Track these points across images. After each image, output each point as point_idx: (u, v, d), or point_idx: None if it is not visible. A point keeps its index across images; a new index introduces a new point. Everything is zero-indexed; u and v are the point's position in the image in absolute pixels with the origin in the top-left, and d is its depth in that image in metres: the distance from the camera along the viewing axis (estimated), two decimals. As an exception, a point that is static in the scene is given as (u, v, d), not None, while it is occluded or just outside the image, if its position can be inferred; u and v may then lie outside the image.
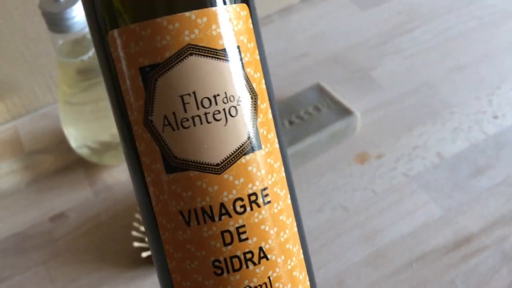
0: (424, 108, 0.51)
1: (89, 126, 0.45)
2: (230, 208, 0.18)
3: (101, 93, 0.43)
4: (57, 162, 0.50)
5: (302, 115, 0.48)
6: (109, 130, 0.46)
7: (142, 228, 0.41)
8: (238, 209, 0.18)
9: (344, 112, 0.48)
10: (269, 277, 0.19)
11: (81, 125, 0.45)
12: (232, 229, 0.18)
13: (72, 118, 0.44)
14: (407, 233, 0.42)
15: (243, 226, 0.18)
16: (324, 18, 0.63)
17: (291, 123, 0.48)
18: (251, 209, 0.18)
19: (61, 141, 0.51)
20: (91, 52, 0.41)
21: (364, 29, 0.60)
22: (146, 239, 0.41)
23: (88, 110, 0.44)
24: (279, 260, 0.19)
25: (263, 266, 0.18)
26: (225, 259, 0.18)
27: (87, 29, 0.39)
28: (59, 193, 0.48)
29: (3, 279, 0.42)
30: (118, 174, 0.49)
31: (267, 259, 0.19)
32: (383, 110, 0.52)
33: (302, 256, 0.20)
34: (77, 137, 0.46)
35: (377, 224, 0.43)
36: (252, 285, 0.18)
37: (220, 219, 0.18)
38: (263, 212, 0.18)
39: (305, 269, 0.20)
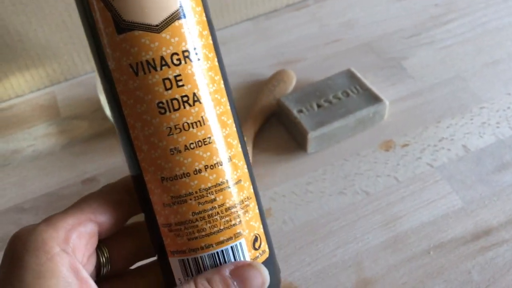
0: (454, 101, 0.51)
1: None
2: (168, 60, 0.23)
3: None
4: (92, 128, 0.52)
5: (331, 99, 0.49)
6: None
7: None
8: (175, 61, 0.23)
9: (373, 99, 0.48)
10: (202, 117, 0.23)
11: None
12: (171, 77, 0.23)
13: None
14: (427, 222, 0.43)
15: (180, 75, 0.23)
16: (358, 5, 0.63)
17: (319, 106, 0.48)
18: (185, 62, 0.23)
19: (97, 109, 0.53)
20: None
21: (398, 19, 0.60)
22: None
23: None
24: (209, 104, 0.24)
25: (197, 107, 0.23)
26: (167, 101, 0.23)
27: None
28: (92, 158, 0.49)
29: (35, 234, 0.44)
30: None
31: (200, 102, 0.23)
32: (412, 100, 0.52)
33: (229, 107, 0.25)
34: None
35: (398, 211, 0.44)
36: (189, 121, 0.23)
37: (161, 69, 0.23)
38: (195, 66, 0.23)
39: (231, 118, 0.25)
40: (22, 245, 0.22)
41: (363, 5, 0.63)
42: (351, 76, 0.51)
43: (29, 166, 0.49)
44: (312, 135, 0.46)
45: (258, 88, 0.54)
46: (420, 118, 0.50)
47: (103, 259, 0.26)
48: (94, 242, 0.25)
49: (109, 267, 0.26)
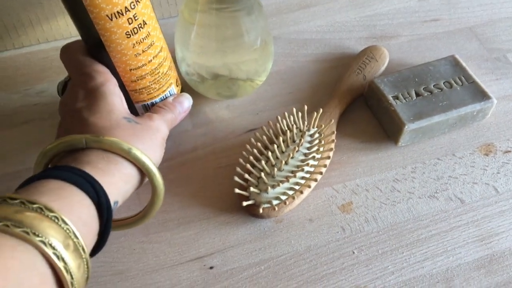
0: None
1: (207, 54, 0.41)
2: (129, 7, 0.34)
3: (228, 20, 0.39)
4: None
5: (432, 89, 0.43)
6: (228, 64, 0.42)
7: (246, 176, 0.38)
8: (132, 6, 0.34)
9: (479, 94, 0.43)
10: (148, 32, 0.36)
11: (198, 49, 0.41)
12: (131, 16, 0.35)
13: (189, 38, 0.41)
14: (526, 243, 0.38)
15: (135, 13, 0.35)
16: (462, -18, 0.56)
17: (418, 94, 0.43)
18: (136, 5, 0.34)
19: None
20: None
21: (507, 4, 0.53)
22: (250, 189, 0.38)
23: (211, 35, 0.40)
24: (150, 24, 0.36)
25: (145, 28, 0.36)
26: (131, 30, 0.35)
27: None
28: (158, 117, 0.45)
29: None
30: (220, 111, 0.46)
31: (146, 24, 0.36)
32: (518, 100, 0.46)
33: (156, 24, 0.37)
34: (191, 63, 0.42)
35: (496, 226, 0.39)
36: (142, 37, 0.36)
37: (125, 14, 0.34)
38: (141, 5, 0.35)
39: (158, 28, 0.38)
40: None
41: (468, -18, 0.56)
42: (455, 64, 0.45)
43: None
44: (408, 127, 0.41)
45: (345, 63, 0.48)
46: (526, 122, 0.45)
47: None
48: None
49: None
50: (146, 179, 0.35)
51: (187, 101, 0.41)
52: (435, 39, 0.51)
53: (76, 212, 0.28)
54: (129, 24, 0.35)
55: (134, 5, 0.35)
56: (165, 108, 0.40)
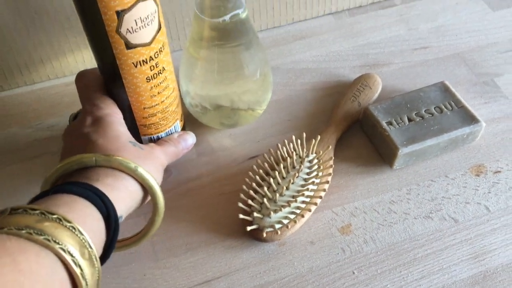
0: (551, 129, 0.48)
1: (210, 86, 0.44)
2: (153, 56, 0.38)
3: (229, 55, 0.42)
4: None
5: (423, 114, 0.46)
6: (230, 95, 0.44)
7: (250, 201, 0.41)
8: (155, 56, 0.38)
9: (469, 118, 0.45)
10: (165, 76, 0.40)
11: (201, 82, 0.44)
12: (153, 64, 0.38)
13: (193, 72, 0.43)
14: (518, 259, 0.40)
15: (157, 62, 0.38)
16: (450, 10, 0.59)
17: (410, 120, 0.45)
18: (159, 54, 0.38)
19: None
20: (228, 17, 0.39)
21: (493, 31, 0.56)
22: (253, 214, 0.40)
23: (214, 69, 0.42)
24: (167, 71, 0.40)
25: (163, 74, 0.40)
26: (151, 76, 0.39)
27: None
28: (164, 147, 0.47)
29: (104, 222, 0.43)
30: (223, 139, 0.48)
31: (165, 70, 0.40)
32: (506, 122, 0.48)
33: (172, 69, 0.41)
34: (195, 96, 0.45)
35: (488, 244, 0.41)
36: (159, 81, 0.40)
37: (149, 62, 0.38)
38: (162, 54, 0.38)
39: (173, 73, 0.42)
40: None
41: (455, 11, 0.59)
42: (445, 90, 0.47)
43: (98, 147, 0.48)
44: (402, 152, 0.43)
45: (340, 91, 0.51)
46: (514, 143, 0.47)
47: None
48: None
49: None
50: (148, 199, 0.38)
51: (191, 139, 0.44)
52: (425, 65, 0.53)
53: (88, 224, 0.31)
54: (151, 70, 0.38)
55: (158, 54, 0.38)
56: (169, 142, 0.43)
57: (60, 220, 0.29)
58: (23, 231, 0.27)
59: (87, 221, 0.31)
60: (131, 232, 0.38)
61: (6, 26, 0.47)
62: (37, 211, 0.29)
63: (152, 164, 0.38)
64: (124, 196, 0.35)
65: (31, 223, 0.28)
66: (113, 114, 0.39)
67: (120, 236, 0.36)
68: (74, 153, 0.36)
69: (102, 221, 0.32)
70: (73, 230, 0.29)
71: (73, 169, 0.35)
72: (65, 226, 0.29)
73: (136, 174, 0.36)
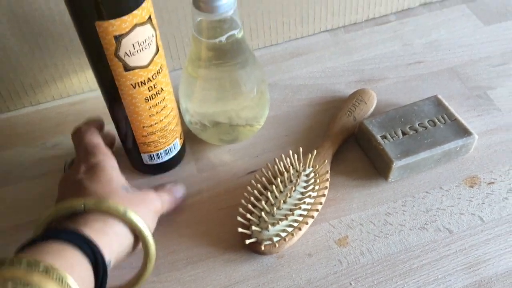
0: (544, 140, 0.49)
1: (209, 104, 0.45)
2: (151, 78, 0.39)
3: (226, 73, 0.43)
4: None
5: (417, 127, 0.47)
6: (228, 112, 0.46)
7: (248, 215, 0.42)
8: (153, 77, 0.39)
9: (461, 131, 0.46)
10: (164, 97, 0.41)
11: (200, 100, 0.45)
12: (152, 85, 0.40)
13: (192, 91, 0.45)
14: (512, 269, 0.41)
15: (155, 83, 0.40)
16: (443, 26, 0.60)
17: (404, 133, 0.46)
18: (157, 75, 0.40)
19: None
20: (224, 37, 0.41)
21: (486, 45, 0.58)
22: (252, 227, 0.41)
23: (212, 87, 0.44)
24: (165, 91, 0.41)
25: (161, 94, 0.41)
26: (149, 96, 0.40)
27: (226, 14, 0.39)
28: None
29: (107, 238, 0.44)
30: (222, 155, 0.49)
31: (163, 90, 0.41)
32: (499, 134, 0.49)
33: (171, 89, 0.43)
34: (194, 113, 0.46)
35: (482, 254, 0.42)
36: (158, 101, 0.41)
37: (147, 83, 0.39)
38: (160, 75, 0.40)
39: (171, 93, 0.43)
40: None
41: (448, 26, 0.60)
42: (438, 104, 0.49)
43: (101, 165, 0.49)
44: (396, 164, 0.44)
45: (336, 105, 0.52)
46: (507, 155, 0.48)
47: None
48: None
49: None
50: (140, 246, 0.38)
51: (182, 190, 0.44)
52: (419, 80, 0.55)
53: (77, 272, 0.31)
54: (149, 91, 0.40)
55: (155, 76, 0.39)
56: (164, 190, 0.43)
57: (47, 271, 0.29)
58: (10, 285, 0.28)
59: (76, 269, 0.31)
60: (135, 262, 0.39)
61: (12, 49, 0.49)
62: (24, 261, 0.29)
63: (144, 209, 0.39)
64: (113, 241, 0.35)
65: (18, 275, 0.28)
66: (107, 160, 0.40)
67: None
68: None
69: (90, 268, 0.33)
70: (60, 282, 0.29)
71: (64, 215, 0.36)
72: (52, 278, 0.29)
73: (126, 218, 0.36)
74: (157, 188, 0.43)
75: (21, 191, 0.48)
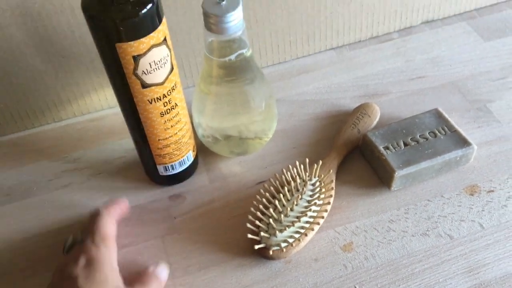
0: (542, 150, 0.51)
1: (220, 118, 0.48)
2: (166, 94, 0.42)
3: (236, 89, 0.46)
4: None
5: (418, 139, 0.49)
6: (238, 126, 0.49)
7: (257, 222, 0.44)
8: (168, 93, 0.43)
9: (461, 142, 0.48)
10: (178, 112, 0.44)
11: (211, 115, 0.48)
12: (166, 100, 0.43)
13: (204, 106, 0.48)
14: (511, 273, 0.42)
15: (170, 98, 0.43)
16: (444, 42, 0.63)
17: (406, 144, 0.49)
18: (172, 91, 0.43)
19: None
20: (233, 56, 0.44)
21: (486, 60, 0.60)
22: (261, 234, 0.44)
23: (223, 102, 0.47)
24: (180, 105, 0.45)
25: (175, 109, 0.44)
26: (164, 111, 0.43)
27: (235, 35, 0.42)
28: (179, 175, 0.51)
29: (125, 245, 0.46)
30: (233, 166, 0.52)
31: (177, 105, 0.44)
32: (498, 145, 0.51)
33: (185, 104, 0.46)
34: (206, 127, 0.49)
35: (482, 258, 0.43)
36: (172, 115, 0.44)
37: (162, 99, 0.42)
38: (175, 91, 0.43)
39: (185, 107, 0.46)
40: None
41: (449, 42, 0.63)
42: (438, 116, 0.51)
43: (119, 177, 0.52)
44: (398, 174, 0.46)
45: (341, 119, 0.55)
46: (506, 164, 0.50)
47: None
48: None
49: None
50: None
51: (166, 270, 0.44)
52: (421, 94, 0.57)
53: None
54: (164, 106, 0.43)
55: (170, 92, 0.42)
56: (150, 279, 0.42)
57: None
58: None
59: None
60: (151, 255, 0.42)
61: (37, 69, 0.53)
62: None
63: None
64: None
65: None
66: (107, 256, 0.40)
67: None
68: None
69: None
70: None
71: None
72: None
73: None
74: (141, 277, 0.42)
75: (46, 201, 0.51)
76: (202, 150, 0.53)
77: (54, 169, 0.53)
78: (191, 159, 0.49)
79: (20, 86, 0.54)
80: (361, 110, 0.54)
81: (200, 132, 0.51)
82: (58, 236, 0.47)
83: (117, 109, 0.45)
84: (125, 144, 0.54)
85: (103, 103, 0.58)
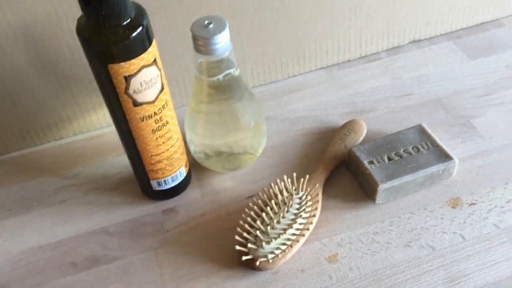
0: (523, 164, 0.52)
1: (210, 135, 0.50)
2: (157, 112, 0.44)
3: (226, 107, 0.49)
4: (173, 162, 0.56)
5: (402, 153, 0.51)
6: (227, 142, 0.51)
7: (245, 234, 0.46)
8: (159, 111, 0.45)
9: (443, 156, 0.50)
10: (170, 128, 0.47)
11: (203, 132, 0.50)
12: (158, 118, 0.45)
13: (196, 124, 0.50)
14: (491, 282, 0.44)
15: (161, 116, 0.45)
16: (431, 61, 0.65)
17: (390, 159, 0.50)
18: (163, 109, 0.45)
19: (178, 144, 0.57)
20: (222, 75, 0.46)
21: (470, 77, 0.62)
22: (248, 245, 0.45)
23: (213, 120, 0.49)
24: (171, 123, 0.47)
25: (166, 126, 0.46)
26: (156, 128, 0.45)
27: (223, 55, 0.45)
28: (173, 190, 0.54)
29: (117, 258, 0.48)
30: (225, 181, 0.54)
31: (168, 123, 0.46)
32: (481, 159, 0.53)
33: (176, 121, 0.48)
34: (198, 144, 0.51)
35: (463, 269, 0.45)
36: (163, 132, 0.46)
37: (153, 117, 0.44)
38: (165, 109, 0.45)
39: (176, 124, 0.48)
40: None
41: (435, 61, 0.65)
42: (422, 131, 0.53)
43: (116, 192, 0.54)
44: (382, 187, 0.48)
45: (329, 135, 0.57)
46: (488, 178, 0.51)
47: None
48: None
49: None
50: None
51: None
52: (407, 111, 0.59)
53: None
54: (156, 123, 0.45)
55: (161, 110, 0.44)
56: None
57: None
58: None
59: None
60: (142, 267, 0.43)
61: (38, 89, 0.55)
62: None
63: None
64: None
65: None
66: None
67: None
68: None
69: None
70: None
71: None
72: None
73: None
74: None
75: (45, 216, 0.53)
76: (196, 166, 0.55)
77: (53, 185, 0.56)
78: (184, 174, 0.52)
79: (22, 106, 0.56)
80: (348, 126, 0.56)
81: (192, 148, 0.53)
82: (57, 249, 0.49)
83: (114, 127, 0.48)
84: (122, 160, 0.57)
85: (101, 121, 0.61)
